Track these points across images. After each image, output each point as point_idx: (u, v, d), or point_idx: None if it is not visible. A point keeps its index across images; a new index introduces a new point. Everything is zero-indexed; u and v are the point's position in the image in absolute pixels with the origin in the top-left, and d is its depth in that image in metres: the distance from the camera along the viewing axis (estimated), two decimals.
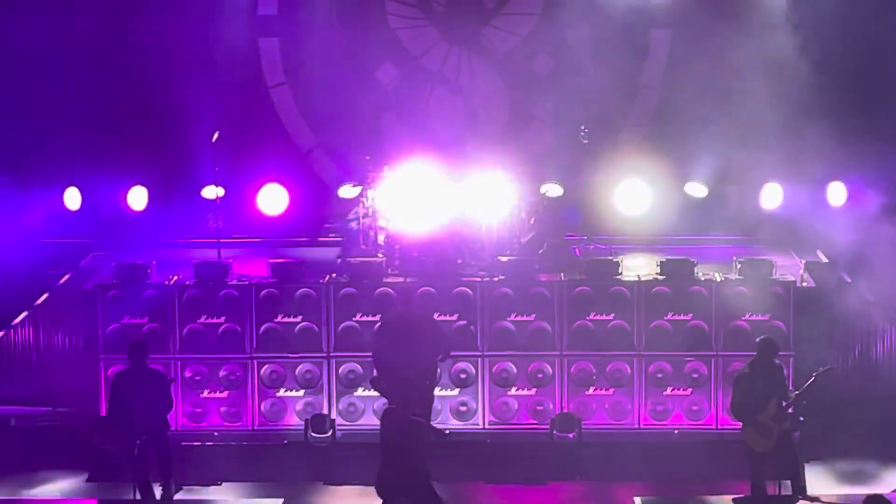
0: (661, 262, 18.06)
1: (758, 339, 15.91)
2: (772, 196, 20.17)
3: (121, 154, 20.09)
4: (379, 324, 17.12)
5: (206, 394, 17.87)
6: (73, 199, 20.05)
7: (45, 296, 19.03)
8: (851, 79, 19.78)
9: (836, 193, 19.97)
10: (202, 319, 17.87)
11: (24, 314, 18.94)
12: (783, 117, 19.41)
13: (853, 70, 19.80)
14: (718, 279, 17.87)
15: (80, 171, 20.02)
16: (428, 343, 16.51)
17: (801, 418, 15.79)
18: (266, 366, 17.87)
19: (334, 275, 18.21)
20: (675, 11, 20.74)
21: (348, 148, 20.80)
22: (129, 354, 15.89)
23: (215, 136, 18.95)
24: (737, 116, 19.76)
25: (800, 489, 15.40)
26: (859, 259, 18.19)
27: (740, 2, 20.09)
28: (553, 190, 19.83)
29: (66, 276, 19.16)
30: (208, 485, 16.80)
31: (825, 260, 19.13)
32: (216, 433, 17.74)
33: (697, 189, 20.09)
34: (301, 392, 17.88)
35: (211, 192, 19.49)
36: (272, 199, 20.20)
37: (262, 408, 17.86)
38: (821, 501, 15.24)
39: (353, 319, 17.86)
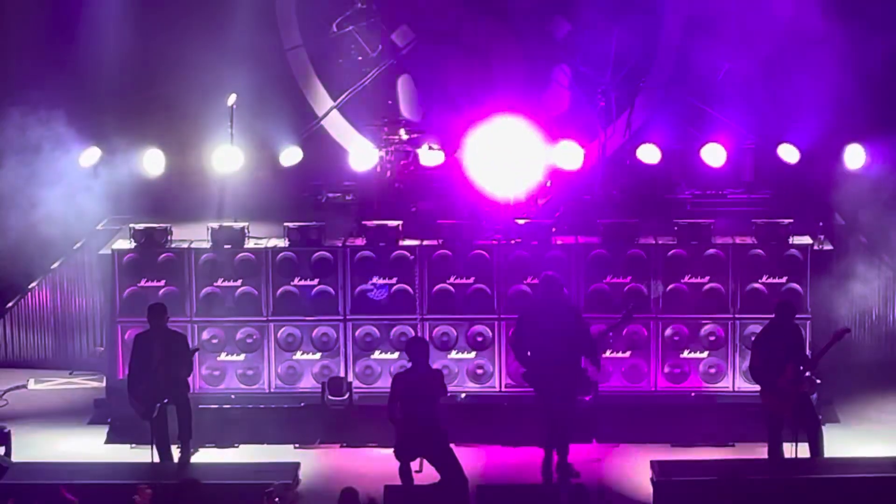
0: (678, 225, 18.03)
1: (777, 302, 15.91)
2: (790, 158, 20.05)
3: (136, 117, 20.06)
4: (518, 316, 16.44)
5: (223, 356, 17.92)
6: (89, 161, 20.00)
7: (62, 259, 19.07)
8: (876, 36, 19.62)
9: (855, 155, 19.85)
10: (219, 282, 17.90)
11: (41, 278, 19.00)
12: (804, 76, 19.35)
13: (877, 26, 19.65)
14: (735, 241, 17.84)
15: (96, 134, 19.99)
16: (569, 333, 15.75)
17: (818, 381, 15.83)
18: (283, 329, 17.91)
19: (350, 238, 18.22)
20: None
21: (364, 110, 20.76)
22: (149, 316, 15.92)
23: (232, 98, 18.97)
24: (756, 76, 19.70)
25: (818, 452, 15.40)
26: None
27: None
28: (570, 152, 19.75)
29: (83, 240, 19.19)
30: (225, 447, 16.88)
31: (842, 222, 19.07)
32: (233, 396, 17.80)
33: (716, 151, 19.95)
34: (318, 355, 17.92)
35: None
36: (288, 162, 20.13)
37: (278, 370, 17.91)
38: (837, 463, 15.23)
39: (370, 282, 17.88)
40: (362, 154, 19.63)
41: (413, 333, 17.66)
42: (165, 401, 15.69)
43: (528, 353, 15.75)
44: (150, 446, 15.79)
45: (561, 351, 15.57)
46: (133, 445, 16.71)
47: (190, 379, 16.39)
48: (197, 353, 16.92)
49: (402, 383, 14.92)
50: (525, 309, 16.39)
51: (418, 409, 14.69)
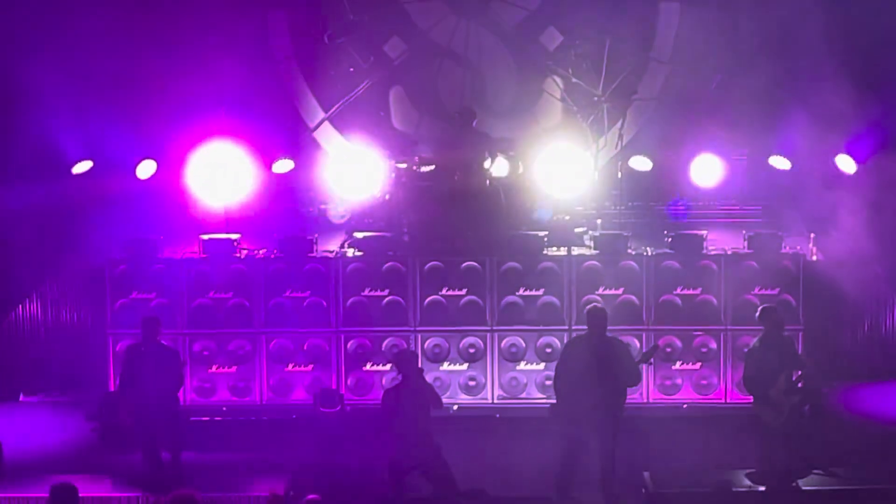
0: (671, 236, 18.04)
1: (758, 312, 15.84)
2: (782, 168, 20.01)
3: (129, 127, 20.01)
4: (563, 348, 15.99)
5: (214, 369, 17.90)
6: (82, 171, 19.93)
7: (53, 271, 19.02)
8: (863, 47, 19.64)
9: (846, 166, 19.82)
10: (210, 294, 17.89)
11: (32, 290, 18.94)
12: (792, 88, 19.38)
13: (865, 38, 19.66)
14: (728, 253, 17.85)
15: (88, 145, 19.95)
16: (615, 367, 15.13)
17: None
18: (275, 341, 17.89)
19: (343, 249, 18.23)
20: None
21: (356, 121, 20.73)
22: (142, 329, 15.89)
23: (224, 111, 18.99)
24: (745, 89, 19.73)
25: (810, 462, 15.37)
26: None
27: None
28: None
29: (75, 251, 19.14)
30: (217, 459, 16.86)
31: (834, 232, 19.06)
32: (225, 408, 17.78)
33: (708, 162, 19.87)
34: (309, 367, 17.90)
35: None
36: (280, 173, 20.10)
37: (270, 383, 17.88)
38: (830, 474, 15.20)
39: (362, 294, 17.88)
40: (354, 165, 19.59)
41: (405, 345, 17.66)
42: (154, 413, 15.64)
43: (566, 389, 15.16)
44: (140, 458, 15.74)
45: (606, 389, 15.05)
46: (123, 456, 16.67)
47: (181, 392, 16.36)
48: (187, 366, 16.93)
49: (394, 397, 14.88)
50: (570, 345, 15.69)
51: (411, 423, 14.65)
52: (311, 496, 13.27)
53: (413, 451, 14.60)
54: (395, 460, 14.68)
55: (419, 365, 15.19)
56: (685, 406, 17.72)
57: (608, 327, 15.25)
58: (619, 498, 15.01)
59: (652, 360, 16.06)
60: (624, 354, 15.35)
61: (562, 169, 19.00)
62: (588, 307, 15.78)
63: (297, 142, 20.61)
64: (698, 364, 17.79)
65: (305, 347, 17.88)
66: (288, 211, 20.16)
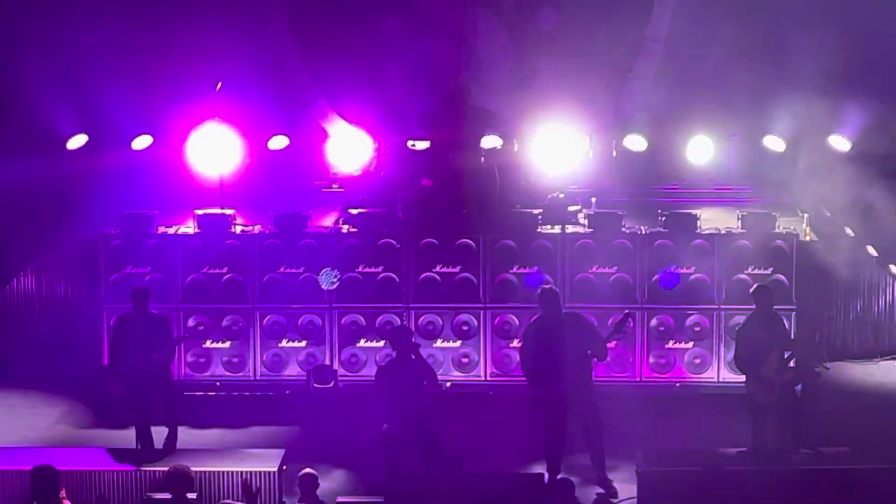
0: (665, 215, 18.07)
1: (752, 289, 15.89)
2: (776, 148, 20.04)
3: (125, 102, 19.99)
4: (525, 331, 15.82)
5: (208, 344, 17.92)
6: (76, 144, 19.92)
7: (48, 246, 19.01)
8: (855, 24, 19.65)
9: (839, 146, 19.85)
10: (205, 269, 17.90)
11: (26, 263, 18.94)
12: (786, 68, 19.39)
13: (857, 14, 19.68)
14: (721, 232, 17.88)
15: (83, 119, 19.94)
16: (577, 343, 15.07)
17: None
18: (268, 316, 17.91)
19: (337, 225, 18.24)
20: None
21: (351, 98, 20.74)
22: (132, 300, 15.90)
23: (218, 85, 18.95)
24: (741, 69, 19.74)
25: (801, 442, 15.42)
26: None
27: None
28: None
29: (69, 226, 19.14)
30: (210, 434, 16.89)
31: (828, 213, 19.11)
32: (219, 383, 17.81)
33: (702, 141, 19.91)
34: (303, 343, 17.93)
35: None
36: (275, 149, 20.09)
37: (264, 358, 17.91)
38: (821, 454, 15.26)
39: (356, 271, 17.89)
40: (349, 142, 19.61)
41: (398, 322, 17.70)
42: (147, 385, 15.66)
43: (539, 374, 15.06)
44: (133, 431, 15.76)
45: (574, 366, 15.03)
46: (116, 430, 16.69)
47: (175, 365, 16.38)
48: (183, 342, 16.98)
49: (387, 374, 14.91)
50: (529, 329, 15.54)
51: (404, 399, 14.69)
52: (305, 471, 13.38)
53: (406, 427, 14.64)
54: (387, 436, 14.72)
55: (413, 341, 15.21)
56: (678, 385, 17.77)
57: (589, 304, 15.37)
58: (611, 473, 15.10)
59: (625, 328, 15.88)
60: (586, 327, 15.30)
61: (557, 147, 18.98)
62: (539, 289, 15.58)
63: (293, 118, 20.61)
64: (691, 343, 17.83)
65: (299, 323, 17.90)
66: (283, 187, 20.18)
